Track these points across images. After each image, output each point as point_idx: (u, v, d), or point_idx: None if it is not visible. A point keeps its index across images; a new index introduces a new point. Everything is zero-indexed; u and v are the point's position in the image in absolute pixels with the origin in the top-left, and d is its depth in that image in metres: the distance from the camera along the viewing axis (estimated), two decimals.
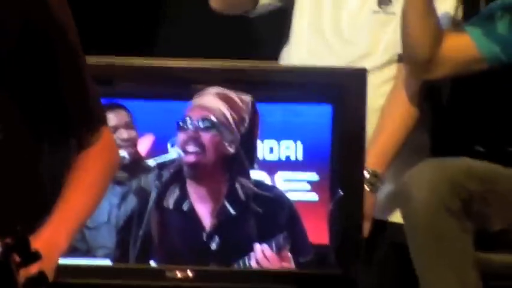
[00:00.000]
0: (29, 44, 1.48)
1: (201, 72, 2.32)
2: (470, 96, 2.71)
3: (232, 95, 2.23)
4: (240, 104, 2.24)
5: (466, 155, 2.46)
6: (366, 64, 2.33)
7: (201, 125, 2.23)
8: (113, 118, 2.32)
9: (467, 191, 2.29)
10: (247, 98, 2.25)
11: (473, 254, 2.34)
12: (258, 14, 2.70)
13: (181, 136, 2.26)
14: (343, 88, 2.14)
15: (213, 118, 2.24)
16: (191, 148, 2.24)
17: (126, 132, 2.33)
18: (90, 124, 1.58)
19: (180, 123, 2.28)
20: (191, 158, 2.27)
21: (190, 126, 2.27)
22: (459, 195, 2.27)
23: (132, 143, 2.31)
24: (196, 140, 2.24)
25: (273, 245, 2.20)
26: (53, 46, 1.52)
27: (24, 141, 1.54)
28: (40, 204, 1.58)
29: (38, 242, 1.43)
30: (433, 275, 2.32)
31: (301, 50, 2.51)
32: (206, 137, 2.24)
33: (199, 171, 2.23)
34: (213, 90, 2.30)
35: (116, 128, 2.28)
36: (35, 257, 1.31)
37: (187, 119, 2.30)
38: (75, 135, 1.60)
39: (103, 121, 1.64)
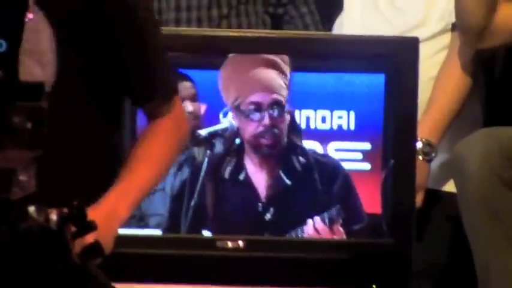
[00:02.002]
0: (95, 14, 1.49)
1: (254, 41, 2.32)
2: None
3: (276, 58, 2.21)
4: (285, 66, 2.26)
5: None
6: (419, 33, 2.31)
7: (275, 113, 2.23)
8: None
9: None
10: (285, 58, 2.24)
11: None
12: None
13: (251, 125, 2.23)
14: (395, 57, 2.13)
15: (282, 100, 2.24)
16: (265, 137, 2.24)
17: (191, 105, 2.30)
18: (161, 94, 1.58)
19: (246, 110, 2.25)
20: (254, 137, 2.27)
21: (260, 115, 2.24)
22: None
23: (195, 116, 2.29)
24: (270, 128, 2.24)
25: (326, 218, 2.21)
26: (120, 20, 1.52)
27: (93, 114, 1.55)
28: (102, 176, 1.59)
29: (98, 211, 1.44)
30: (488, 246, 2.28)
31: (353, 19, 2.51)
32: (277, 121, 2.25)
33: (258, 145, 2.26)
34: (253, 56, 2.26)
35: (182, 100, 2.26)
36: (91, 227, 1.31)
37: (251, 104, 2.25)
38: (146, 105, 1.60)
39: (175, 92, 1.63)
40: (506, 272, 2.23)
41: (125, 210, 1.56)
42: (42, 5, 1.42)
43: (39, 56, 1.45)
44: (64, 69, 1.50)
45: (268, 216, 2.22)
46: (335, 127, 2.24)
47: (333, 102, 2.22)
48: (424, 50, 2.23)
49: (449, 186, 2.41)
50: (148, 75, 1.60)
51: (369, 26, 2.49)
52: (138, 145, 1.61)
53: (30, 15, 1.31)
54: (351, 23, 2.53)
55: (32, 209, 1.25)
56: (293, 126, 2.21)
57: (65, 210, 1.27)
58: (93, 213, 1.36)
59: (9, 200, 1.18)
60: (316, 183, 2.20)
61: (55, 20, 1.44)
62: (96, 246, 1.34)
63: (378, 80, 2.15)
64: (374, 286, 2.19)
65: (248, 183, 2.24)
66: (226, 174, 2.22)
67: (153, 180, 1.62)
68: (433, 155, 2.34)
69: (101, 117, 1.58)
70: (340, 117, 2.27)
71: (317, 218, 2.26)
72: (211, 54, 2.31)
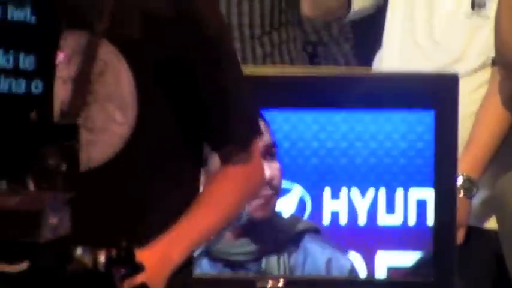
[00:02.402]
0: (177, 62, 1.49)
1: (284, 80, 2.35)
2: None
3: None
4: None
5: None
6: (459, 69, 2.30)
7: None
8: None
9: None
10: None
11: None
12: (351, 19, 2.72)
13: None
14: (435, 93, 2.13)
15: None
16: None
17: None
18: (236, 141, 1.55)
19: None
20: None
21: None
22: None
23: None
24: None
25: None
26: (197, 59, 1.50)
27: (170, 157, 1.55)
28: (154, 220, 1.56)
29: (149, 254, 1.44)
30: None
31: (393, 54, 2.50)
32: None
33: None
34: None
35: None
36: (139, 268, 1.32)
37: None
38: (220, 151, 1.56)
39: (254, 139, 1.58)
40: None
41: (178, 255, 1.54)
42: (123, 50, 1.44)
43: (119, 101, 1.47)
44: (144, 113, 1.51)
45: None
46: None
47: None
48: (464, 86, 2.20)
49: (491, 223, 2.39)
50: (224, 120, 1.55)
51: (408, 61, 2.49)
52: (203, 190, 1.58)
53: (103, 55, 1.43)
54: (390, 57, 2.52)
55: (79, 250, 1.27)
56: None
57: (113, 251, 1.28)
58: (144, 255, 1.38)
59: (36, 243, 1.18)
60: None
61: (136, 65, 1.46)
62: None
63: (421, 116, 2.19)
64: None
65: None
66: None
67: (212, 228, 1.59)
68: (474, 191, 2.32)
69: (179, 160, 1.57)
70: None
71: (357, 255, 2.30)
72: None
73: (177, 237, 1.52)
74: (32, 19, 1.23)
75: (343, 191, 2.22)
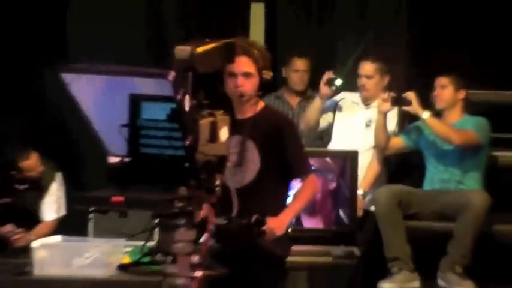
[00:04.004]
0: (278, 136, 3.70)
1: None
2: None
3: None
4: None
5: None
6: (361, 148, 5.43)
7: None
8: None
9: (401, 198, 5.25)
10: None
11: (404, 223, 5.27)
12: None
13: None
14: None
15: None
16: None
17: None
18: (304, 172, 3.83)
19: None
20: None
21: None
22: (399, 200, 5.23)
23: None
24: None
25: None
26: (285, 140, 3.72)
27: (276, 185, 3.82)
28: (271, 206, 3.72)
29: (275, 218, 3.60)
30: (389, 236, 5.21)
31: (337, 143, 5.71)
32: None
33: None
34: None
35: None
36: (264, 220, 3.55)
37: None
38: (298, 177, 3.83)
39: (310, 170, 3.91)
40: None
41: (288, 219, 3.75)
42: (253, 139, 3.68)
43: (251, 164, 3.73)
44: (262, 168, 3.71)
45: None
46: None
47: None
48: (362, 155, 5.31)
49: (372, 208, 5.47)
50: (299, 164, 3.79)
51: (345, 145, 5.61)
52: (297, 192, 3.84)
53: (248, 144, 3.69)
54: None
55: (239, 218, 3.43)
56: None
57: (255, 217, 3.53)
58: (272, 219, 3.58)
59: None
60: None
61: (259, 143, 3.69)
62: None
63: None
64: None
65: None
66: None
67: (302, 207, 3.92)
68: (366, 195, 5.46)
69: (280, 182, 3.85)
70: None
71: None
72: None
73: (288, 211, 3.75)
74: None
75: None
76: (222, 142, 2.78)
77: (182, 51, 2.65)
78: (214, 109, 2.72)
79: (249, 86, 3.98)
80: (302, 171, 4.15)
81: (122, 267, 5.16)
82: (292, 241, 4.35)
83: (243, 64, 3.96)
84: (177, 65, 2.63)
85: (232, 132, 3.52)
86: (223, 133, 2.79)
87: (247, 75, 3.96)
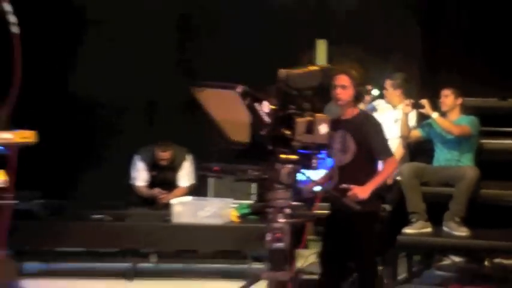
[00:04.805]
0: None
1: None
2: None
3: None
4: None
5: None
6: (390, 138, 5.75)
7: None
8: None
9: (418, 171, 6.55)
10: None
11: (420, 188, 6.48)
12: None
13: None
14: None
15: None
16: None
17: None
18: (387, 154, 4.94)
19: None
20: None
21: None
22: (416, 173, 6.52)
23: None
24: None
25: None
26: (370, 132, 4.98)
27: (367, 163, 4.96)
28: (362, 180, 4.83)
29: (361, 187, 4.76)
30: (409, 197, 6.48)
31: None
32: None
33: None
34: None
35: None
36: (348, 189, 4.76)
37: None
38: (381, 159, 4.92)
39: (391, 153, 4.94)
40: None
41: (370, 188, 4.77)
42: (351, 133, 4.86)
43: (349, 150, 4.91)
44: (356, 153, 4.90)
45: None
46: None
47: None
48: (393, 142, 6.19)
49: (398, 178, 6.41)
50: (381, 150, 4.83)
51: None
52: (381, 168, 4.93)
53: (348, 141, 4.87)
54: None
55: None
56: None
57: (349, 187, 4.77)
58: (356, 187, 4.75)
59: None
60: None
61: (354, 136, 4.86)
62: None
63: None
64: None
65: None
66: None
67: (381, 181, 4.86)
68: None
69: (369, 165, 4.96)
70: None
71: None
72: None
73: (371, 183, 4.85)
74: None
75: None
76: (320, 134, 3.22)
77: (282, 73, 3.16)
78: (317, 112, 3.13)
79: (344, 95, 4.88)
80: (383, 155, 5.04)
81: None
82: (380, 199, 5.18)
83: (341, 79, 4.84)
84: (278, 82, 3.13)
85: (338, 128, 4.78)
86: (323, 128, 3.22)
87: (343, 87, 4.86)
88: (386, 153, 4.97)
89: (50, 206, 7.17)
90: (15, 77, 3.04)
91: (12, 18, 2.98)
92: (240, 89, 3.02)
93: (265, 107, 3.16)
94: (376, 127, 4.97)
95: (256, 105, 3.13)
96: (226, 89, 3.08)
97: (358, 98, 4.89)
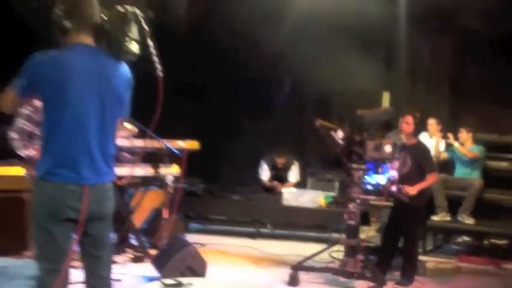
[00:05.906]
0: None
1: None
2: None
3: None
4: None
5: None
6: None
7: None
8: None
9: (443, 180, 8.95)
10: None
11: (444, 191, 9.04)
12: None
13: None
14: None
15: None
16: None
17: None
18: (432, 170, 6.63)
19: None
20: None
21: None
22: (442, 181, 8.86)
23: None
24: None
25: None
26: None
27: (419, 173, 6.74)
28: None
29: (410, 187, 6.59)
30: (436, 196, 8.89)
31: None
32: None
33: None
34: None
35: None
36: (402, 188, 6.58)
37: None
38: (427, 173, 6.63)
39: (434, 170, 6.64)
40: None
41: (417, 188, 6.49)
42: (409, 155, 6.58)
43: (407, 165, 6.58)
44: (411, 167, 6.53)
45: None
46: None
47: None
48: None
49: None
50: (427, 167, 6.57)
51: None
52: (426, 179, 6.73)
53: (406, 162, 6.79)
54: None
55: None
56: None
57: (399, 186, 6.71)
58: (408, 187, 6.53)
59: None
60: None
61: (411, 157, 6.57)
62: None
63: None
64: None
65: None
66: None
67: (426, 186, 6.64)
68: None
69: (419, 176, 6.57)
70: None
71: None
72: None
73: (418, 185, 6.58)
74: None
75: None
76: (386, 152, 4.39)
77: (359, 112, 4.82)
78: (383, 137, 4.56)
79: (407, 129, 6.21)
80: (429, 170, 6.44)
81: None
82: (424, 196, 6.26)
83: (406, 118, 6.23)
84: (356, 117, 4.88)
85: (402, 150, 6.19)
86: (387, 148, 4.34)
87: (407, 123, 6.21)
88: (432, 169, 6.63)
89: (206, 188, 9.64)
90: (156, 114, 3.11)
91: (157, 62, 2.77)
92: (318, 123, 4.90)
93: (340, 134, 4.75)
94: (426, 152, 6.70)
95: (332, 133, 4.70)
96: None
97: (415, 131, 6.53)
